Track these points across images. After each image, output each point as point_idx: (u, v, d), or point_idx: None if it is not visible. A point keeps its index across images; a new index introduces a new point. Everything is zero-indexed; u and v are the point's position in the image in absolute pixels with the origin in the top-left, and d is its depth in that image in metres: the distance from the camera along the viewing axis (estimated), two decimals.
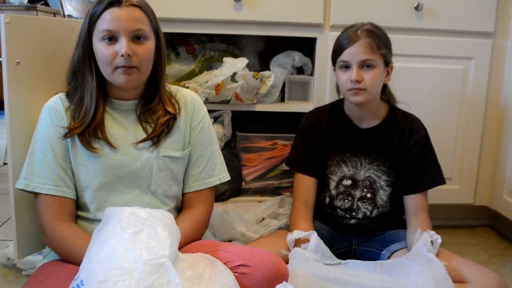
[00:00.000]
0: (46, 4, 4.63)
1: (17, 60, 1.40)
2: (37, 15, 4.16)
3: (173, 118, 1.40)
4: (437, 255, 1.47)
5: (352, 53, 1.54)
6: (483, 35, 2.09)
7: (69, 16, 3.22)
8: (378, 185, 1.67)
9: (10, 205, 1.42)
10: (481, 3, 2.05)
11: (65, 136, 1.31)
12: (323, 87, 2.05)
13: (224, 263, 1.21)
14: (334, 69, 1.65)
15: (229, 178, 1.52)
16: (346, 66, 1.56)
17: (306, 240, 1.53)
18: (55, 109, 1.34)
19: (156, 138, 1.38)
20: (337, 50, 1.59)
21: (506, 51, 2.09)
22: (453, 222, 2.33)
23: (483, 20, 2.07)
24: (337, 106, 1.73)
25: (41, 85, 1.48)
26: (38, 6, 4.28)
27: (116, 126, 1.37)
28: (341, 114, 1.71)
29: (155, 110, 1.39)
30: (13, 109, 1.40)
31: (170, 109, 1.40)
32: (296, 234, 1.55)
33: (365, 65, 1.54)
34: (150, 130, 1.39)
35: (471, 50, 2.09)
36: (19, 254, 1.47)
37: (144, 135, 1.38)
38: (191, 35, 2.24)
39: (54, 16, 4.38)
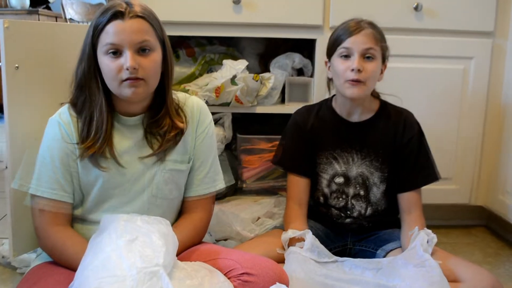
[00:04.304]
0: (48, 8, 4.64)
1: (16, 65, 1.40)
2: (39, 19, 4.17)
3: (180, 132, 1.38)
4: (432, 254, 1.47)
5: (355, 41, 1.53)
6: (483, 35, 2.09)
7: (71, 19, 3.23)
8: (372, 181, 1.66)
9: (6, 203, 1.43)
10: (480, 2, 2.05)
11: (82, 156, 1.29)
12: (323, 89, 2.05)
13: (227, 271, 1.21)
14: (326, 63, 1.65)
15: (224, 185, 1.52)
16: (347, 55, 1.55)
17: (301, 239, 1.53)
18: (65, 124, 1.31)
19: (162, 153, 1.37)
20: (337, 39, 1.58)
21: (506, 51, 2.09)
22: (448, 222, 2.33)
23: (482, 19, 2.07)
24: (327, 103, 1.73)
25: (40, 89, 1.49)
26: (40, 10, 4.29)
27: (123, 142, 1.35)
28: (330, 110, 1.70)
29: (161, 123, 1.35)
30: (12, 113, 1.41)
31: (177, 122, 1.37)
32: (291, 233, 1.55)
33: (366, 55, 1.54)
34: (156, 143, 1.36)
35: (471, 50, 2.09)
36: (14, 252, 1.48)
37: (150, 150, 1.36)
38: (190, 38, 2.25)
39: (56, 20, 4.39)
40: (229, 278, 1.20)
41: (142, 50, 1.26)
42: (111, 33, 1.23)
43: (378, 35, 1.56)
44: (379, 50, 1.56)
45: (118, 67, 1.24)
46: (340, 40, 1.57)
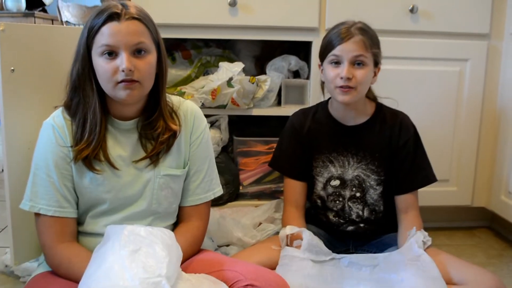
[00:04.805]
0: (44, 10, 4.63)
1: (12, 68, 1.40)
2: (35, 22, 4.15)
3: (174, 135, 1.37)
4: (435, 256, 1.47)
5: (345, 49, 1.52)
6: (478, 37, 2.10)
7: (67, 22, 3.23)
8: (368, 184, 1.66)
9: (7, 212, 1.43)
10: (476, 4, 2.06)
11: (76, 159, 1.27)
12: (319, 91, 2.04)
13: (232, 283, 1.20)
14: (320, 66, 1.64)
15: (222, 192, 1.51)
16: (337, 62, 1.55)
17: (299, 237, 1.53)
18: (59, 127, 1.30)
19: (155, 156, 1.35)
20: (329, 45, 1.57)
21: (501, 52, 2.09)
22: (451, 224, 2.33)
23: (478, 21, 2.08)
24: (322, 105, 1.73)
25: (36, 92, 1.49)
26: (36, 12, 4.27)
27: (117, 146, 1.33)
28: (326, 113, 1.70)
29: (154, 126, 1.34)
30: (8, 116, 1.40)
31: (171, 125, 1.35)
32: (288, 229, 1.55)
33: (356, 62, 1.53)
34: (150, 147, 1.35)
35: (467, 52, 2.09)
36: (16, 261, 1.47)
37: (144, 154, 1.35)
38: (187, 40, 2.25)
39: (52, 23, 4.38)
40: None
41: (137, 51, 1.25)
42: (107, 34, 1.22)
43: (369, 41, 1.54)
44: (369, 56, 1.55)
45: (113, 68, 1.22)
46: (331, 46, 1.56)
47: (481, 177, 2.19)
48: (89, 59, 1.26)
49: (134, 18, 1.24)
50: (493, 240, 2.22)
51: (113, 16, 1.22)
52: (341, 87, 1.54)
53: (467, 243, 2.18)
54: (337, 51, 1.54)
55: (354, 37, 1.53)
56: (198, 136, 1.44)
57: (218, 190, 1.50)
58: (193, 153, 1.43)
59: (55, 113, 1.34)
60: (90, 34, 1.24)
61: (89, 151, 1.27)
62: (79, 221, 1.35)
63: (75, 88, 1.29)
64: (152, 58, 1.28)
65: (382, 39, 1.62)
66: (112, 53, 1.23)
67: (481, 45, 2.09)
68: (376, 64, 1.60)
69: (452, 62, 2.10)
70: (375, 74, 1.61)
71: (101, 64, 1.24)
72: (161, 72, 1.34)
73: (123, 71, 1.21)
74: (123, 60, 1.21)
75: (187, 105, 1.45)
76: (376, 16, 1.98)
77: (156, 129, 1.34)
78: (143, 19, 1.26)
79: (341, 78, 1.53)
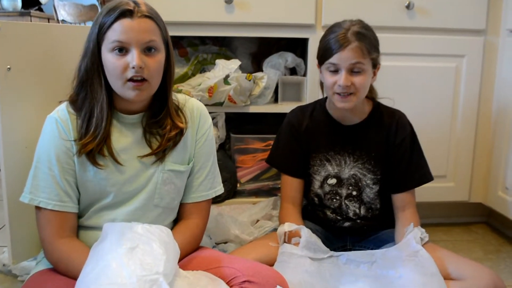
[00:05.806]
0: (40, 9, 4.62)
1: (8, 66, 1.39)
2: (31, 21, 4.14)
3: (181, 132, 1.37)
4: (432, 252, 1.47)
5: (342, 58, 1.50)
6: (474, 33, 2.10)
7: (63, 21, 3.23)
8: (364, 183, 1.66)
9: (4, 211, 1.42)
10: (472, 0, 2.06)
11: (80, 152, 1.27)
12: (316, 88, 2.05)
13: (229, 280, 1.21)
14: (318, 65, 1.63)
15: (223, 190, 1.52)
16: (335, 70, 1.53)
17: (297, 234, 1.53)
18: (62, 121, 1.29)
19: (161, 153, 1.36)
20: (326, 52, 1.54)
21: (497, 48, 2.10)
22: (448, 220, 2.34)
23: (474, 17, 2.08)
24: (320, 103, 1.73)
25: (33, 90, 1.48)
26: (32, 11, 4.26)
27: (122, 140, 1.34)
28: (324, 112, 1.70)
29: (162, 124, 1.35)
30: (5, 115, 1.40)
31: (178, 123, 1.36)
32: (287, 226, 1.55)
33: (354, 69, 1.51)
34: (155, 143, 1.36)
35: (463, 48, 2.10)
36: (14, 260, 1.47)
37: (149, 149, 1.35)
38: (183, 38, 2.24)
39: (48, 22, 4.37)
40: (231, 286, 1.20)
41: (148, 49, 1.25)
42: (119, 31, 1.22)
43: (367, 47, 1.51)
44: (367, 62, 1.52)
45: (124, 65, 1.23)
46: (328, 54, 1.53)
47: (478, 173, 2.20)
48: (99, 54, 1.27)
49: (146, 16, 1.25)
50: (491, 235, 2.23)
51: (126, 13, 1.23)
52: (340, 94, 1.53)
53: (465, 238, 2.19)
54: (334, 59, 1.52)
55: (351, 44, 1.50)
56: (204, 134, 1.45)
57: (220, 189, 1.50)
58: (198, 150, 1.44)
59: (59, 107, 1.33)
60: (101, 30, 1.24)
61: (93, 145, 1.27)
62: (81, 215, 1.35)
63: (83, 83, 1.29)
64: (161, 56, 1.29)
65: (379, 36, 1.61)
66: (122, 50, 1.23)
67: (478, 41, 2.09)
68: (375, 65, 1.58)
69: (449, 58, 2.10)
70: (374, 74, 1.59)
71: (111, 60, 1.24)
72: (168, 71, 1.34)
73: (133, 68, 1.22)
74: (134, 57, 1.22)
75: (192, 103, 1.46)
76: (372, 12, 1.98)
77: (163, 128, 1.35)
78: (155, 17, 1.27)
79: (339, 85, 1.52)
